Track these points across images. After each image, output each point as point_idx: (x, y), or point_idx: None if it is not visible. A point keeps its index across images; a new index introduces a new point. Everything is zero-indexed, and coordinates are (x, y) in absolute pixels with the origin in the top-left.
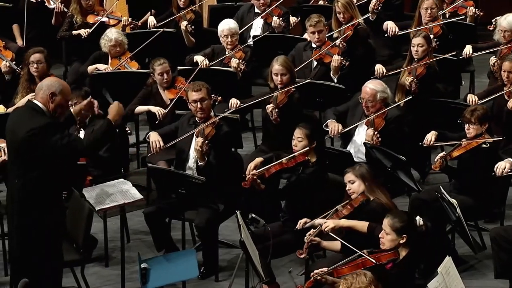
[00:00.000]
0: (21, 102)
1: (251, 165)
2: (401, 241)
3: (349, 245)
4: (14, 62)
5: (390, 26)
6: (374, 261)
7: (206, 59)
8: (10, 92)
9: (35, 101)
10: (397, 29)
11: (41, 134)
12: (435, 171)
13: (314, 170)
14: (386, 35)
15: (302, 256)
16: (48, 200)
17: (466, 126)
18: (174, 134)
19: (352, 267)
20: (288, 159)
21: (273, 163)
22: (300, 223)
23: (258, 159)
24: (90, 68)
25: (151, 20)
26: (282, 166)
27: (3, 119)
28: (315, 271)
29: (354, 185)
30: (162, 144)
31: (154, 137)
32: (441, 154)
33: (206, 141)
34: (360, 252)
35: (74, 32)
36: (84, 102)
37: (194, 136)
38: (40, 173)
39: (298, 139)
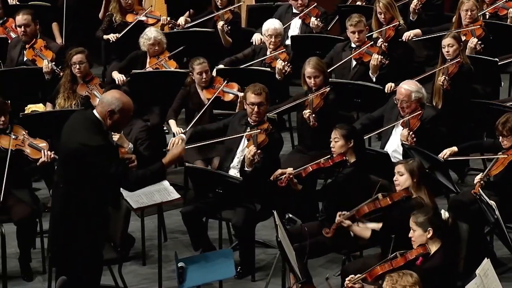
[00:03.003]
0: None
1: (279, 171)
2: (428, 235)
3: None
4: (54, 63)
5: (407, 32)
6: (403, 260)
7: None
8: (50, 91)
9: (95, 112)
10: (411, 35)
11: (91, 154)
12: (474, 172)
13: (352, 171)
14: (400, 39)
15: (328, 235)
16: (90, 208)
17: (500, 138)
18: (222, 132)
19: (383, 266)
20: (326, 159)
21: (311, 163)
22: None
23: (289, 169)
24: (112, 75)
25: (182, 19)
26: (319, 166)
27: (43, 118)
28: (348, 278)
29: (401, 177)
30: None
31: (178, 137)
32: (479, 177)
33: (259, 151)
34: (393, 255)
35: (105, 36)
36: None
37: (245, 138)
38: (84, 185)
39: (335, 140)
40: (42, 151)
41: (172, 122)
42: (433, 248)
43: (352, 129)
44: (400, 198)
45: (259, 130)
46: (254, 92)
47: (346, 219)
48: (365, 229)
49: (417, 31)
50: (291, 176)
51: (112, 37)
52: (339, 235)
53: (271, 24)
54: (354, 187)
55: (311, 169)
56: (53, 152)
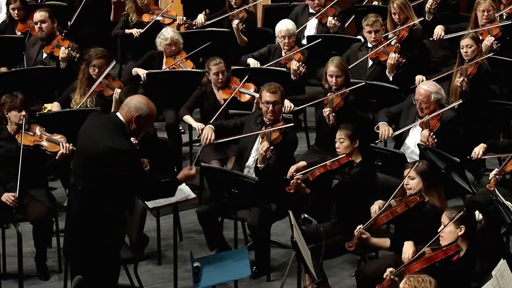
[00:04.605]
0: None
1: (293, 167)
2: (460, 233)
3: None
4: (70, 48)
5: (436, 29)
6: (443, 254)
7: (258, 62)
8: (65, 83)
9: (119, 115)
10: (443, 33)
11: (119, 158)
12: (489, 173)
13: (358, 171)
14: (431, 38)
15: (351, 249)
16: (108, 209)
17: None
18: (238, 130)
19: (422, 262)
20: (332, 162)
21: (317, 166)
22: (375, 211)
23: (301, 163)
24: (134, 71)
25: (200, 18)
26: (326, 169)
27: (60, 117)
28: (388, 270)
29: (413, 181)
30: (213, 138)
31: (208, 129)
32: (494, 172)
33: (272, 147)
34: (423, 250)
35: (127, 31)
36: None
37: (259, 137)
38: (104, 186)
39: (340, 140)
40: (61, 144)
41: (189, 118)
42: (463, 247)
43: (357, 129)
44: (415, 204)
45: (274, 129)
46: (269, 90)
47: (364, 231)
48: (383, 240)
49: (442, 26)
50: (299, 181)
51: (135, 32)
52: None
53: (284, 25)
54: (363, 187)
55: (318, 173)
56: (71, 144)
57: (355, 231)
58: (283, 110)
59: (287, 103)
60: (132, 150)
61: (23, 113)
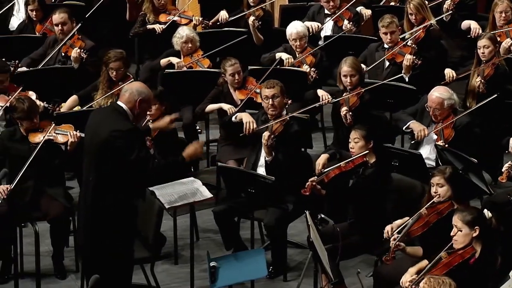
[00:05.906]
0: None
1: (319, 163)
2: (474, 234)
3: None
4: (82, 50)
5: (473, 26)
6: (460, 258)
7: (291, 57)
8: (78, 82)
9: (120, 103)
10: (480, 30)
11: (123, 138)
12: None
13: (373, 171)
14: (469, 36)
15: (389, 263)
16: (120, 201)
17: None
18: None
19: (441, 268)
20: (346, 163)
21: (331, 168)
22: (387, 231)
23: (324, 156)
24: (163, 61)
25: (223, 14)
26: (341, 170)
27: (77, 117)
28: (405, 279)
29: (442, 189)
30: (255, 126)
31: (249, 118)
32: (507, 165)
33: (272, 136)
34: (440, 255)
35: (149, 26)
36: (165, 122)
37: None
38: (114, 176)
39: (355, 141)
40: (68, 133)
41: (213, 105)
42: (478, 248)
43: (371, 129)
44: (447, 213)
45: (277, 121)
46: (266, 86)
47: (400, 242)
48: (417, 249)
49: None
50: (314, 184)
51: (157, 28)
52: (371, 236)
53: (293, 28)
54: (377, 188)
55: (333, 174)
56: (78, 131)
57: (391, 243)
58: (321, 102)
59: (324, 95)
60: (135, 129)
61: (34, 120)
